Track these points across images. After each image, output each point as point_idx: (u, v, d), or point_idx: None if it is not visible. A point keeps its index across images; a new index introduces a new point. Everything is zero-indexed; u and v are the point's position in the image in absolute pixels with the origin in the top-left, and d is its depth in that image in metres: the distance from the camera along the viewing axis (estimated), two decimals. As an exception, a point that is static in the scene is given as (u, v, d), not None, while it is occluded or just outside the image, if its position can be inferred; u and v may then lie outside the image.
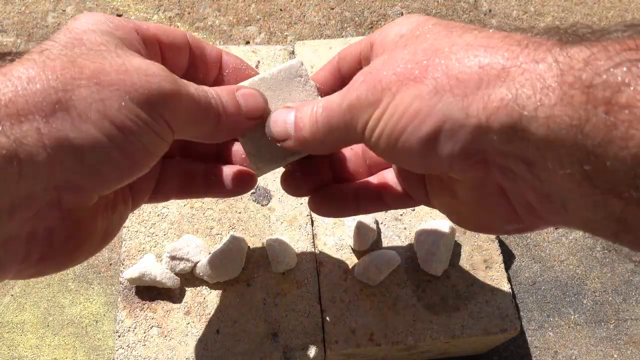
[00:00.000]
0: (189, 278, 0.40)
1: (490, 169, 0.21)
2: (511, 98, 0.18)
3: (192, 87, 0.25)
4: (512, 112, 0.18)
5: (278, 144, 0.28)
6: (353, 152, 0.33)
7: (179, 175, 0.32)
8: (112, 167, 0.22)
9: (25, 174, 0.19)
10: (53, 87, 0.20)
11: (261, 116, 0.28)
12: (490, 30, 0.21)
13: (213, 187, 0.32)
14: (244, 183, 0.32)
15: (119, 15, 0.70)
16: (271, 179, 0.44)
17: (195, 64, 0.29)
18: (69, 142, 0.20)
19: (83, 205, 0.23)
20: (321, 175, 0.32)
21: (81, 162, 0.21)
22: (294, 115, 0.27)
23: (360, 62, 0.28)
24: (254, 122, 0.28)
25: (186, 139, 0.27)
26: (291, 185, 0.32)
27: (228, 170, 0.32)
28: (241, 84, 0.29)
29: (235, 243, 0.39)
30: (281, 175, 0.32)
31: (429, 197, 0.28)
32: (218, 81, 0.31)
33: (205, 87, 0.26)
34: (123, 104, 0.21)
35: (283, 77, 0.29)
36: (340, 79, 0.29)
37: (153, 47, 0.27)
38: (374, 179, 0.32)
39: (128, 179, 0.23)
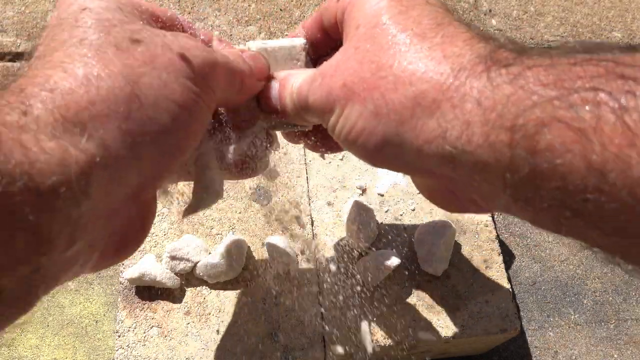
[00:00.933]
0: (189, 278, 0.40)
1: (437, 177, 0.22)
2: (440, 134, 0.20)
3: (222, 54, 0.25)
4: (442, 144, 0.20)
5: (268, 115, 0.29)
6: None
7: None
8: (181, 147, 0.22)
9: (114, 176, 0.19)
10: (120, 82, 0.20)
11: (267, 77, 0.29)
12: (438, 38, 0.21)
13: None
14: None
15: (119, 15, 0.70)
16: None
17: None
18: (148, 134, 0.20)
19: (155, 194, 0.23)
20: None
21: (160, 151, 0.21)
22: (277, 92, 0.28)
23: (336, 22, 0.29)
24: (262, 84, 0.29)
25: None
26: (286, 133, 0.33)
27: None
28: (245, 45, 0.30)
29: (235, 243, 0.39)
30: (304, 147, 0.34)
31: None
32: None
33: (224, 51, 0.26)
34: (181, 83, 0.21)
35: (282, 54, 0.30)
36: (323, 29, 0.30)
37: (156, 23, 0.27)
38: None
39: (186, 156, 0.23)
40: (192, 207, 0.28)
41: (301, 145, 0.45)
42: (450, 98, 0.19)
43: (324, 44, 0.31)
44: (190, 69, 0.22)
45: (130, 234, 0.23)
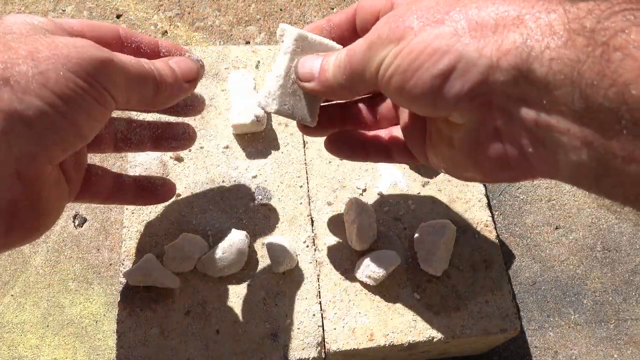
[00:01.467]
0: (189, 278, 0.40)
1: (492, 111, 0.22)
2: (522, 41, 0.20)
3: (125, 57, 0.27)
4: (521, 52, 0.20)
5: (302, 84, 0.29)
6: (364, 108, 0.35)
7: (105, 184, 0.35)
8: (60, 134, 0.24)
9: None
10: None
11: (196, 77, 0.31)
12: None
13: (141, 197, 0.37)
14: (170, 191, 0.38)
15: (119, 16, 0.70)
16: (271, 179, 0.44)
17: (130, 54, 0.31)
18: (17, 113, 0.22)
19: (40, 174, 0.24)
20: (335, 121, 0.34)
21: (31, 130, 0.22)
22: (321, 60, 0.29)
23: (378, 17, 0.29)
24: (192, 84, 0.31)
25: (132, 108, 0.29)
26: (303, 128, 0.34)
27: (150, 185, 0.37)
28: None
29: (237, 237, 0.39)
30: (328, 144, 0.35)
31: (426, 152, 0.30)
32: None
33: (140, 59, 0.28)
34: (61, 73, 0.23)
35: (319, 49, 0.31)
36: (353, 24, 0.31)
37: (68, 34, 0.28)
38: (383, 133, 0.35)
39: (75, 146, 0.25)
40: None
41: (301, 145, 0.45)
42: (534, 13, 0.20)
43: (345, 34, 0.31)
44: (74, 63, 0.23)
45: (20, 214, 0.24)
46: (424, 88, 0.23)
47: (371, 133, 0.35)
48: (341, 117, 0.35)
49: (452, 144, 0.26)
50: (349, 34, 0.31)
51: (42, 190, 0.25)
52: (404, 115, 0.32)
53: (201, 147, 0.45)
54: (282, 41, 0.30)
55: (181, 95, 0.31)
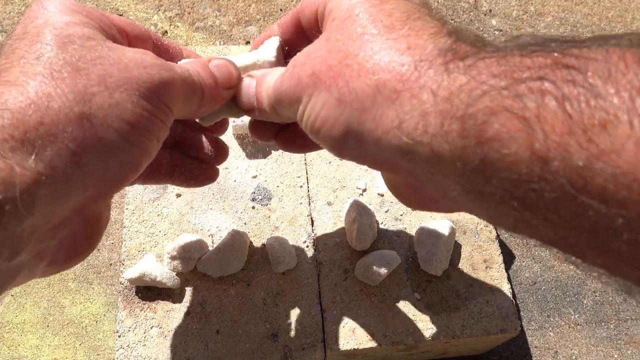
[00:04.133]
0: (189, 278, 0.40)
1: (399, 171, 0.23)
2: (397, 124, 0.20)
3: (179, 69, 0.25)
4: (399, 137, 0.20)
5: (247, 115, 0.30)
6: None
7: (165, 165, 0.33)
8: (132, 164, 0.23)
9: (60, 194, 0.20)
10: (71, 102, 0.20)
11: (236, 84, 0.29)
12: (405, 30, 0.22)
13: (177, 176, 0.33)
14: (211, 173, 0.34)
15: (119, 16, 0.70)
16: (271, 179, 0.44)
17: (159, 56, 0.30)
18: (96, 153, 0.20)
19: (102, 207, 0.24)
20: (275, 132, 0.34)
21: (107, 169, 0.21)
22: (255, 90, 0.28)
23: (317, 19, 0.29)
24: (230, 92, 0.29)
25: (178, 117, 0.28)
26: (257, 131, 0.34)
27: (194, 162, 0.33)
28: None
29: (237, 237, 0.39)
30: (249, 122, 0.34)
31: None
32: None
33: (183, 65, 0.26)
34: (135, 103, 0.22)
35: (253, 67, 0.30)
36: (299, 28, 0.31)
37: (123, 37, 0.27)
38: None
39: (141, 170, 0.24)
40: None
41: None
42: (410, 88, 0.20)
43: (298, 44, 0.31)
44: (145, 87, 0.22)
45: (78, 245, 0.24)
46: (329, 146, 0.24)
47: None
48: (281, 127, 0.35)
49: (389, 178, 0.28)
50: (296, 36, 0.31)
51: (100, 221, 0.25)
52: None
53: (201, 147, 0.45)
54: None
55: (219, 103, 0.29)
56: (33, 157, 0.19)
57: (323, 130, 0.23)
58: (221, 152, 0.34)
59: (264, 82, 0.28)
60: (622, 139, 0.14)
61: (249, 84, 0.29)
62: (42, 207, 0.19)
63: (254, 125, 0.33)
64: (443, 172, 0.19)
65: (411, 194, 0.26)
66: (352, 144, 0.22)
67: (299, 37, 0.30)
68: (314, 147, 0.33)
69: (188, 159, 0.33)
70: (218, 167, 0.35)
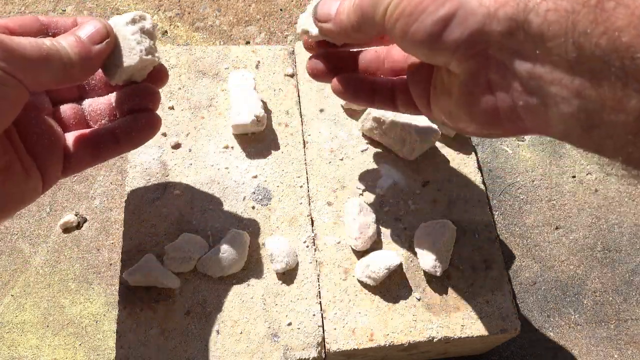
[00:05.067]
0: (189, 278, 0.40)
1: (487, 62, 0.23)
2: None
3: (23, 39, 0.27)
4: (518, 3, 0.20)
5: (319, 24, 0.31)
6: (376, 55, 0.35)
7: (84, 144, 0.34)
8: None
9: None
10: None
11: (107, 36, 0.31)
12: None
13: (122, 142, 0.34)
14: (151, 126, 0.35)
15: (119, 15, 0.70)
16: (271, 179, 0.44)
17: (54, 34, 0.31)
18: None
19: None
20: (343, 64, 0.35)
21: None
22: (338, 3, 0.30)
23: None
24: (106, 46, 0.30)
25: (52, 87, 0.29)
26: (314, 67, 0.35)
27: (130, 120, 0.34)
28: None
29: (237, 237, 0.39)
30: (308, 59, 0.35)
31: (430, 104, 0.31)
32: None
33: (39, 39, 0.28)
34: None
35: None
36: None
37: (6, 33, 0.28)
38: (387, 81, 0.35)
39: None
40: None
41: (301, 145, 0.45)
42: None
43: None
44: None
45: None
46: (425, 33, 0.24)
47: (380, 79, 0.35)
48: (352, 63, 0.35)
49: (450, 94, 0.27)
50: None
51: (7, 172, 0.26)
52: (411, 65, 0.32)
53: (201, 147, 0.45)
54: None
55: (99, 58, 0.30)
56: None
57: (430, 8, 0.23)
58: (149, 95, 0.35)
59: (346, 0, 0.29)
60: None
61: (331, 0, 0.30)
62: None
63: (313, 60, 0.35)
64: (548, 40, 0.20)
65: (463, 110, 0.26)
66: (456, 23, 0.23)
67: None
68: (363, 99, 0.34)
69: (126, 118, 0.34)
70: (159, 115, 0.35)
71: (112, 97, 0.36)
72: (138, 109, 0.35)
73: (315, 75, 0.35)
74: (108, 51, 0.31)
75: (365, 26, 0.28)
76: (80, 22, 0.32)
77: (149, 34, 0.33)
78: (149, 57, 0.33)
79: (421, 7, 0.23)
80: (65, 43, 0.29)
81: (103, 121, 0.36)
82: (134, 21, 0.32)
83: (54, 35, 0.31)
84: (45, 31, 0.31)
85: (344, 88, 0.35)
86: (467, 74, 0.25)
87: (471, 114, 0.26)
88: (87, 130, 0.35)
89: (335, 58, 0.35)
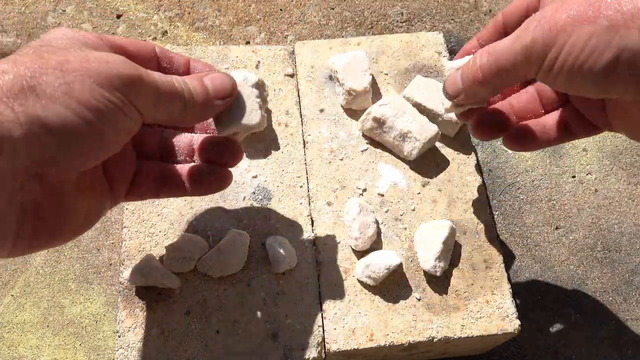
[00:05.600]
0: (189, 278, 0.40)
1: None
2: None
3: (156, 74, 0.27)
4: None
5: (454, 100, 0.33)
6: (529, 95, 0.37)
7: (154, 176, 0.34)
8: (84, 143, 0.24)
9: (5, 149, 0.22)
10: (22, 76, 0.23)
11: (231, 94, 0.31)
12: None
13: (189, 187, 0.34)
14: (221, 182, 0.35)
15: (119, 16, 0.70)
16: (271, 179, 0.44)
17: (164, 72, 0.31)
18: (40, 119, 0.23)
19: (63, 180, 0.25)
20: (504, 118, 0.36)
21: (54, 137, 0.23)
22: (460, 71, 0.32)
23: (527, 15, 0.31)
24: (225, 102, 0.31)
25: (160, 123, 0.30)
26: (483, 132, 0.36)
27: (205, 170, 0.34)
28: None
29: (237, 237, 0.39)
30: (473, 124, 0.37)
31: (610, 121, 0.32)
32: None
33: (172, 76, 0.29)
34: (87, 86, 0.24)
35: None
36: (501, 34, 0.33)
37: (120, 54, 0.28)
38: (556, 115, 0.36)
39: (100, 155, 0.26)
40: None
41: (301, 145, 0.45)
42: None
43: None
44: (102, 77, 0.24)
45: (45, 218, 0.25)
46: (591, 81, 0.25)
47: (543, 117, 0.37)
48: (505, 115, 0.37)
49: (630, 116, 0.29)
50: (495, 37, 0.34)
51: (66, 195, 0.26)
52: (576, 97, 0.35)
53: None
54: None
55: (212, 111, 0.31)
56: None
57: (590, 60, 0.24)
58: (231, 152, 0.34)
59: (466, 65, 0.31)
60: None
61: (454, 73, 0.32)
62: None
63: (479, 126, 0.36)
64: None
65: None
66: (624, 66, 0.24)
67: (499, 33, 0.34)
68: (542, 143, 0.36)
69: (202, 166, 0.34)
70: (230, 170, 0.35)
71: (194, 138, 0.35)
72: (217, 161, 0.34)
73: (485, 138, 0.37)
74: (224, 107, 0.32)
75: (502, 82, 0.29)
76: (199, 67, 0.33)
77: (264, 101, 0.35)
78: (264, 122, 0.34)
79: (580, 62, 0.25)
80: (192, 87, 0.29)
81: (180, 157, 0.35)
82: (257, 85, 0.34)
83: (165, 69, 0.32)
84: (156, 61, 0.32)
85: (520, 144, 0.36)
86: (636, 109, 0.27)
87: None
88: (163, 164, 0.35)
89: (490, 115, 0.36)
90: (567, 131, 0.36)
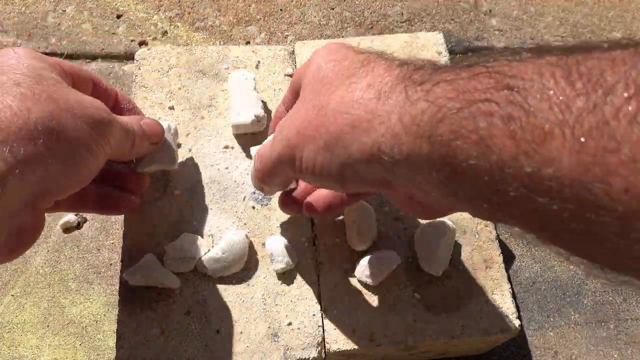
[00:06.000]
0: (189, 278, 0.40)
1: (393, 187, 0.27)
2: (377, 148, 0.24)
3: (119, 117, 0.33)
4: (380, 158, 0.24)
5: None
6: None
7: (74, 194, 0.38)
8: (78, 175, 0.30)
9: (26, 183, 0.27)
10: (45, 118, 0.27)
11: (161, 139, 0.38)
12: (363, 72, 0.26)
13: (101, 207, 0.38)
14: (130, 205, 0.39)
15: (119, 16, 0.70)
16: (271, 179, 0.44)
17: (97, 93, 0.37)
18: (56, 158, 0.27)
19: (48, 207, 0.30)
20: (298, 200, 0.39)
21: (63, 171, 0.28)
22: (254, 161, 0.35)
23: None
24: (155, 146, 0.38)
25: (114, 158, 0.35)
26: (285, 209, 0.39)
27: (116, 194, 0.39)
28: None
29: (237, 237, 0.39)
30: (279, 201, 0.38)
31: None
32: (115, 109, 0.39)
33: (124, 117, 0.34)
34: (86, 128, 0.29)
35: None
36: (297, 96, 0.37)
37: (68, 77, 0.33)
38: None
39: (83, 183, 0.31)
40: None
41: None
42: (379, 116, 0.24)
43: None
44: (96, 122, 0.30)
45: (23, 238, 0.29)
46: (331, 184, 0.28)
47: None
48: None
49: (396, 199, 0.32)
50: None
51: (42, 222, 0.31)
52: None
53: (201, 147, 0.45)
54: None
55: (144, 152, 0.37)
56: (7, 151, 0.25)
57: (324, 172, 0.27)
58: (142, 184, 0.40)
59: (256, 158, 0.34)
60: (558, 149, 0.16)
61: (253, 156, 0.36)
62: (10, 191, 0.25)
63: (287, 208, 0.38)
64: (425, 181, 0.23)
65: (415, 206, 0.31)
66: (350, 175, 0.26)
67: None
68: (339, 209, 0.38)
69: (114, 190, 0.39)
70: (138, 199, 0.40)
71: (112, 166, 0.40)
72: (122, 187, 0.39)
73: (286, 211, 0.39)
74: (154, 150, 0.38)
75: (279, 179, 0.33)
76: (125, 102, 0.39)
77: (177, 145, 0.42)
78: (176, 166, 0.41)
79: (317, 172, 0.28)
80: (137, 129, 0.35)
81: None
82: (174, 132, 0.41)
83: (98, 95, 0.36)
84: (91, 85, 0.36)
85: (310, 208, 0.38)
86: (390, 194, 0.31)
87: (410, 212, 0.32)
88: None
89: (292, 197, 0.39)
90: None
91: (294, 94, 0.36)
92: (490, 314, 0.40)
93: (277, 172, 0.32)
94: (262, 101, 0.46)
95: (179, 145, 0.44)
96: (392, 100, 0.23)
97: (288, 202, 0.38)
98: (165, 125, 0.39)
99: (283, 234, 0.42)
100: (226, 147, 0.45)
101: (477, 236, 0.43)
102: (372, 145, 0.24)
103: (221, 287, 0.40)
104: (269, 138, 0.34)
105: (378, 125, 0.24)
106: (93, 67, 0.67)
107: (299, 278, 0.40)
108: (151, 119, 0.37)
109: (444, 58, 0.50)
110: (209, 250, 0.40)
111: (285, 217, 0.43)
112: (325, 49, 0.30)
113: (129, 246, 0.41)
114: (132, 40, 0.69)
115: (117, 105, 0.39)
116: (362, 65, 0.27)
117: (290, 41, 0.70)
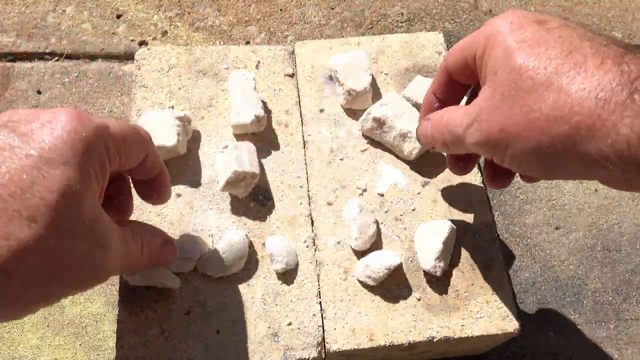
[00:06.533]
0: (189, 278, 0.40)
1: (593, 177, 0.27)
2: (604, 155, 0.24)
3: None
4: (605, 165, 0.24)
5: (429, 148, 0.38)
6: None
7: None
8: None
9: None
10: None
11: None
12: (572, 70, 0.25)
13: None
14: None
15: (119, 16, 0.70)
16: (271, 179, 0.44)
17: (143, 166, 0.33)
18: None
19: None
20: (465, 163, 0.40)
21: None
22: (430, 132, 0.35)
23: (468, 66, 0.33)
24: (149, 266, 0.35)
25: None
26: (494, 180, 0.38)
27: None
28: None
29: (237, 237, 0.39)
30: (486, 177, 0.38)
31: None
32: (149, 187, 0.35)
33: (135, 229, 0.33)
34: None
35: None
36: (450, 83, 0.36)
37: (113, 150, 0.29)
38: None
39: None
40: None
41: (301, 145, 0.45)
42: (603, 125, 0.23)
43: (450, 89, 0.37)
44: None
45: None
46: (542, 174, 0.29)
47: None
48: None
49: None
50: (446, 87, 0.37)
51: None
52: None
53: (201, 147, 0.45)
54: None
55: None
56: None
57: (532, 169, 0.28)
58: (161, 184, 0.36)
59: (441, 124, 0.34)
60: None
61: (425, 127, 0.36)
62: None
63: (491, 177, 0.38)
64: None
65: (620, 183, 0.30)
66: (560, 173, 0.27)
67: (449, 84, 0.36)
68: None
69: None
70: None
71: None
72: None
73: (499, 187, 0.39)
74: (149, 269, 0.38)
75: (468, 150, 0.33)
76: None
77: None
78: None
79: (526, 167, 0.29)
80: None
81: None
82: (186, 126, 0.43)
83: (143, 169, 0.34)
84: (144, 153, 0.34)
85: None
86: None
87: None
88: None
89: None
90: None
91: (447, 77, 0.36)
92: (490, 314, 0.40)
93: (462, 149, 0.33)
94: (262, 101, 0.46)
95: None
96: (616, 106, 0.23)
97: (457, 168, 0.40)
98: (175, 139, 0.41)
99: (283, 234, 0.42)
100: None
101: (477, 236, 0.43)
102: (596, 154, 0.24)
103: (221, 287, 0.40)
104: (455, 109, 0.33)
105: (603, 134, 0.23)
106: (93, 67, 0.67)
107: (299, 278, 0.40)
108: (174, 247, 0.36)
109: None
110: (208, 250, 0.40)
111: (285, 217, 0.43)
112: (506, 22, 0.28)
113: (129, 246, 0.41)
114: (132, 40, 0.69)
115: (154, 182, 0.35)
116: (566, 56, 0.25)
117: (290, 41, 0.70)
